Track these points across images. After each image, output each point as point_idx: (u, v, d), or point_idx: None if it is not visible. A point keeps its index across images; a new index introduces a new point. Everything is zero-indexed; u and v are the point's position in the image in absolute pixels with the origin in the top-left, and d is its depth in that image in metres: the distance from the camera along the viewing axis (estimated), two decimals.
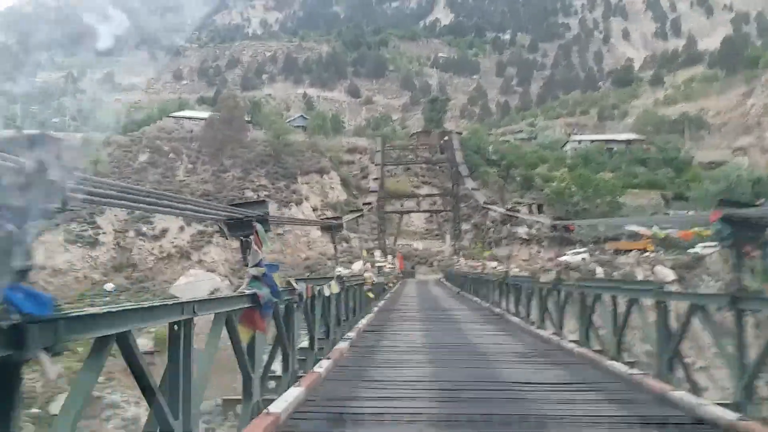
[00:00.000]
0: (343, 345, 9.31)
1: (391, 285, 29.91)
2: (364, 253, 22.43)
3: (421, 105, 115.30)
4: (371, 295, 16.24)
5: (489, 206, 32.06)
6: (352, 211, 30.86)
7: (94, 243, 51.82)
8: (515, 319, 14.41)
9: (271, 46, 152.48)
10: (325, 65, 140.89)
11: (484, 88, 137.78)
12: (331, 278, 9.96)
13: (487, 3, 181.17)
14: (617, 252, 54.07)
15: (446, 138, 68.40)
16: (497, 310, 16.98)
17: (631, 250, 52.97)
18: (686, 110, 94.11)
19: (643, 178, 73.95)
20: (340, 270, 11.10)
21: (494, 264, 23.52)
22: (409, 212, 56.10)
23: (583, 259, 54.09)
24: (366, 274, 15.71)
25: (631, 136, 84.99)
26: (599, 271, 51.56)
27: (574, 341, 9.61)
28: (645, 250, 52.92)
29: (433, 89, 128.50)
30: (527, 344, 10.53)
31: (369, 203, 36.11)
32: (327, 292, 8.93)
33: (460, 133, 61.43)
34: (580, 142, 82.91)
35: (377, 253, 24.16)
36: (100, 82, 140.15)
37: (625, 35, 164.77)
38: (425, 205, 61.67)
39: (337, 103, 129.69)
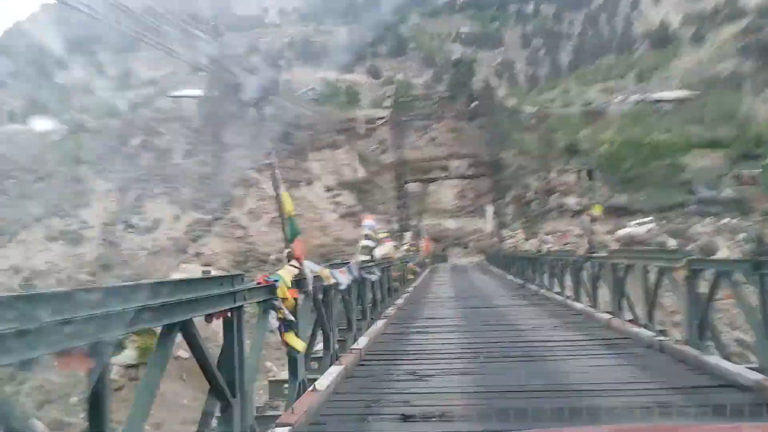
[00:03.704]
0: None
1: (411, 276, 20.20)
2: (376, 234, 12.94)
3: (444, 81, 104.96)
4: (299, 345, 5.43)
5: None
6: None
7: (78, 239, 43.49)
8: None
9: (287, 31, 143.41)
10: (344, 47, 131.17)
11: (510, 60, 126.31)
12: None
13: None
14: None
15: (476, 102, 58.13)
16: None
17: None
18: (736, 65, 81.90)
19: (702, 138, 62.54)
20: None
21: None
22: (434, 180, 45.64)
23: (649, 230, 43.75)
24: (282, 273, 5.09)
25: (682, 93, 73.28)
26: (672, 244, 41.02)
27: None
28: None
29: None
30: None
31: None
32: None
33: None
34: (624, 102, 71.67)
35: (369, 226, 13.18)
36: (119, 78, 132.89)
37: None
38: (456, 179, 51.70)
39: (357, 84, 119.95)
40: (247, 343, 4.32)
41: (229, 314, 3.89)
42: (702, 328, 6.78)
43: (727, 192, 49.72)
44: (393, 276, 15.61)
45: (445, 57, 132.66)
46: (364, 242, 11.82)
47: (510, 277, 23.26)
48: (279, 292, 4.82)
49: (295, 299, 5.50)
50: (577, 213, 46.02)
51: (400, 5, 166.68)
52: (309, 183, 48.07)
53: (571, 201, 45.47)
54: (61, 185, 46.11)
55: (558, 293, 14.63)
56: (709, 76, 79.85)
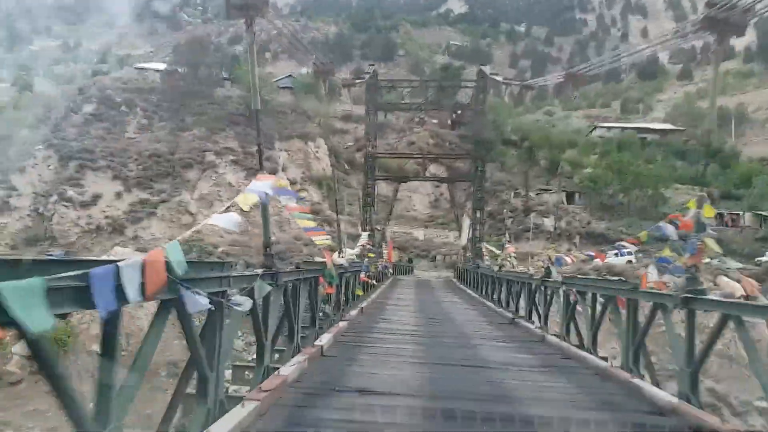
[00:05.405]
0: None
1: (360, 293, 15.77)
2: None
3: (430, 91, 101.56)
4: None
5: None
6: None
7: (3, 207, 38.19)
8: None
9: (276, 24, 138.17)
10: (332, 46, 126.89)
11: (497, 78, 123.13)
12: None
13: None
14: None
15: (458, 112, 54.37)
16: None
17: None
18: (722, 104, 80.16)
19: (684, 172, 59.81)
20: None
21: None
22: (406, 179, 41.46)
23: (630, 261, 40.28)
24: None
25: (667, 125, 70.87)
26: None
27: None
28: None
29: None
30: None
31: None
32: None
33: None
34: (609, 129, 68.90)
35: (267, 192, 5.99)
36: (96, 53, 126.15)
37: (644, 34, 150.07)
38: (431, 186, 47.66)
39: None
40: None
41: None
42: None
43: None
44: (324, 292, 9.91)
45: (432, 67, 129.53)
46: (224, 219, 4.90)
47: (490, 304, 18.66)
48: None
49: None
50: (552, 235, 42.45)
51: (393, 11, 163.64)
52: (272, 173, 43.43)
53: (548, 222, 41.79)
54: None
55: (581, 347, 8.86)
56: (695, 110, 77.82)
